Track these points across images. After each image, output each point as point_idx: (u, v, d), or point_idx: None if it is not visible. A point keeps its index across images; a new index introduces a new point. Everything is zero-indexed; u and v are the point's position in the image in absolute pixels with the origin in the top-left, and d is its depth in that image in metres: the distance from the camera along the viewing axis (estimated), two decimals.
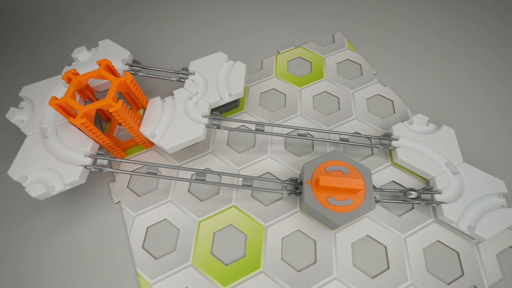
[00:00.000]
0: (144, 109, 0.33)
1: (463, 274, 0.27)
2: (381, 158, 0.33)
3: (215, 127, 0.30)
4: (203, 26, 0.47)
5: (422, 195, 0.29)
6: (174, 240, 0.29)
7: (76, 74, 0.28)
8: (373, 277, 0.27)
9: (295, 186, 0.29)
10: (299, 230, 0.29)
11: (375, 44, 0.44)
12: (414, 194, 0.28)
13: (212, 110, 0.34)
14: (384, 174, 0.32)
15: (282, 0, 0.51)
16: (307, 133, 0.33)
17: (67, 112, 0.27)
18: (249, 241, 0.28)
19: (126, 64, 0.33)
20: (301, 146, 0.34)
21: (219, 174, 0.28)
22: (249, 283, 0.26)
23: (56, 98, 0.26)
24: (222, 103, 0.32)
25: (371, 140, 0.34)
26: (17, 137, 0.36)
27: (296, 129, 0.31)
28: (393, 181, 0.32)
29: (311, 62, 0.42)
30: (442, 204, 0.28)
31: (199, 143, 0.34)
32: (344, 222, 0.25)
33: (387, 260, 0.27)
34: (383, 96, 0.38)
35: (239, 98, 0.36)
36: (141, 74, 0.34)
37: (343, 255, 0.28)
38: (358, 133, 0.35)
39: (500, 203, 0.28)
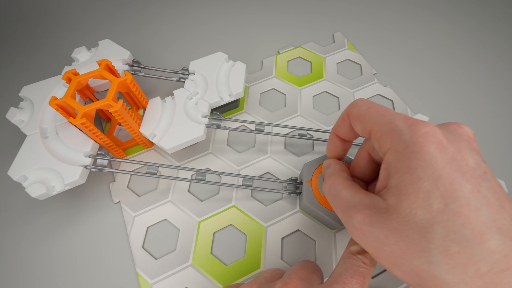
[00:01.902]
0: (144, 109, 0.33)
1: None
2: None
3: (215, 127, 0.30)
4: (203, 26, 0.47)
5: None
6: (174, 240, 0.29)
7: (76, 74, 0.28)
8: (373, 277, 0.27)
9: (295, 186, 0.29)
10: (299, 230, 0.29)
11: (375, 44, 0.44)
12: None
13: (212, 110, 0.34)
14: None
15: (282, 0, 0.51)
16: (307, 133, 0.33)
17: (67, 112, 0.27)
18: (249, 241, 0.28)
19: (126, 64, 0.33)
20: (301, 146, 0.34)
21: (219, 174, 0.28)
22: None
23: (56, 98, 0.26)
24: (222, 103, 0.32)
25: None
26: (17, 137, 0.36)
27: (296, 129, 0.31)
28: None
29: (311, 62, 0.42)
30: None
31: (199, 143, 0.34)
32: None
33: None
34: (383, 96, 0.38)
35: (239, 98, 0.36)
36: (141, 74, 0.34)
37: None
38: None
39: None
